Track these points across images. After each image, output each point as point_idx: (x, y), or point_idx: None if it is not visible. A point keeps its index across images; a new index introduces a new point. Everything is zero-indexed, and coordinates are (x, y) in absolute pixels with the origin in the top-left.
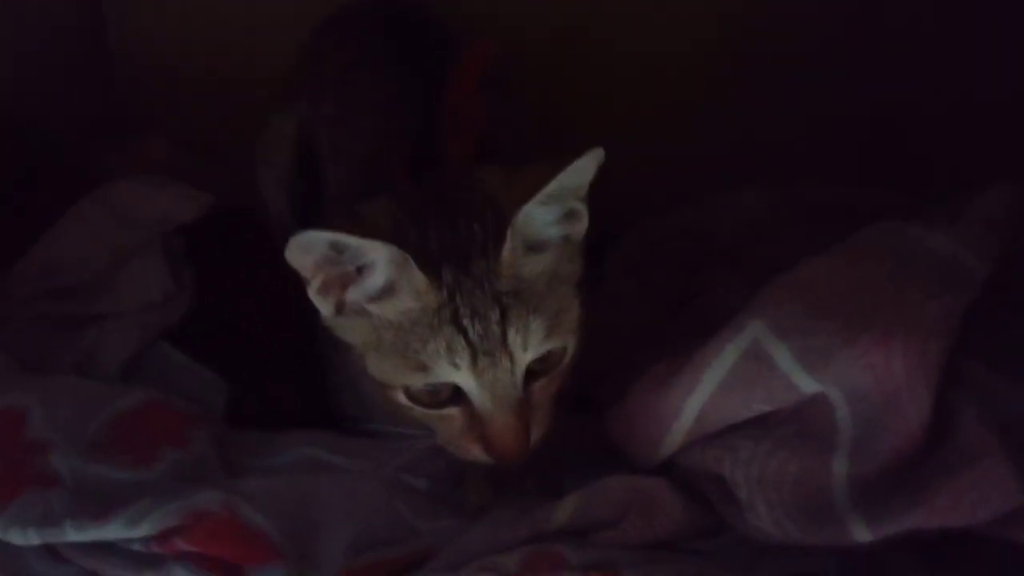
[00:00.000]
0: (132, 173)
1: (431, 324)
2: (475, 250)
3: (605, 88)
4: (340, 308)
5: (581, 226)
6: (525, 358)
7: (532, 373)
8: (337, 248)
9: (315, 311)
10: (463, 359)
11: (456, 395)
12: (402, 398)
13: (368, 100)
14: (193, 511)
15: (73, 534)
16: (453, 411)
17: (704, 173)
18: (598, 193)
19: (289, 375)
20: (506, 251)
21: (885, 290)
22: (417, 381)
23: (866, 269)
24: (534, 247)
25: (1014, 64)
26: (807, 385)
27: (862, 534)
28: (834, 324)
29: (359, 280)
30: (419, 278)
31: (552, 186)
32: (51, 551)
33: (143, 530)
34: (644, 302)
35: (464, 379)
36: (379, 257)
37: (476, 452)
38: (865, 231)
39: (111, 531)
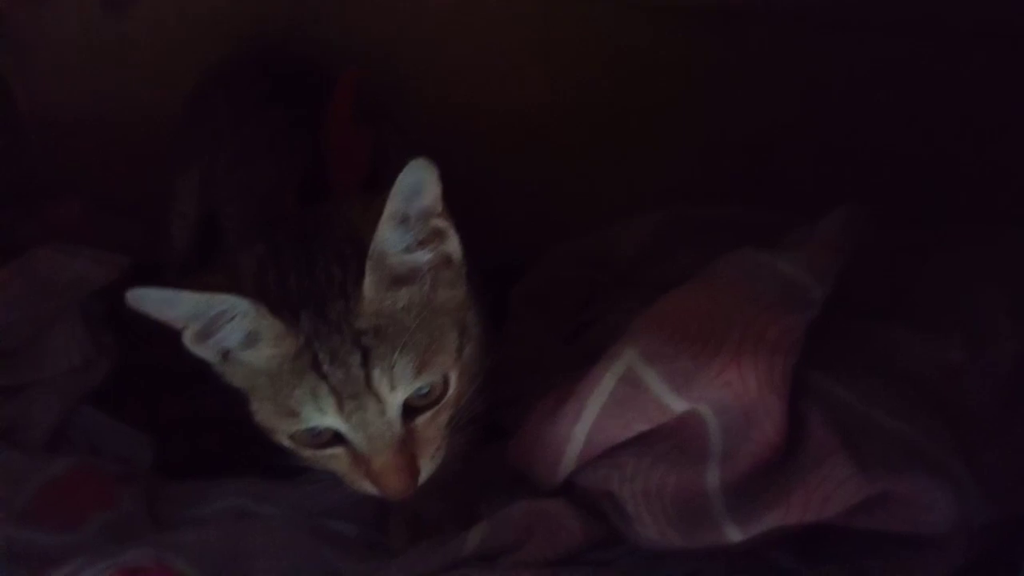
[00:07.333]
0: (50, 238)
1: (293, 370)
2: (332, 292)
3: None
4: (225, 354)
5: (451, 245)
6: (394, 398)
7: (414, 409)
8: (184, 303)
9: None
10: (328, 404)
11: (337, 436)
12: (287, 441)
13: (257, 147)
14: (126, 567)
15: None
16: (337, 451)
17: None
18: (492, 224)
19: (214, 422)
20: (367, 287)
21: (737, 314)
22: (290, 427)
23: (721, 296)
24: (402, 278)
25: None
26: (676, 404)
27: (734, 534)
28: (694, 348)
29: (221, 331)
30: (276, 325)
31: (391, 207)
32: None
33: None
34: (548, 333)
35: (335, 423)
36: (232, 309)
37: (368, 488)
38: (721, 259)
39: None
